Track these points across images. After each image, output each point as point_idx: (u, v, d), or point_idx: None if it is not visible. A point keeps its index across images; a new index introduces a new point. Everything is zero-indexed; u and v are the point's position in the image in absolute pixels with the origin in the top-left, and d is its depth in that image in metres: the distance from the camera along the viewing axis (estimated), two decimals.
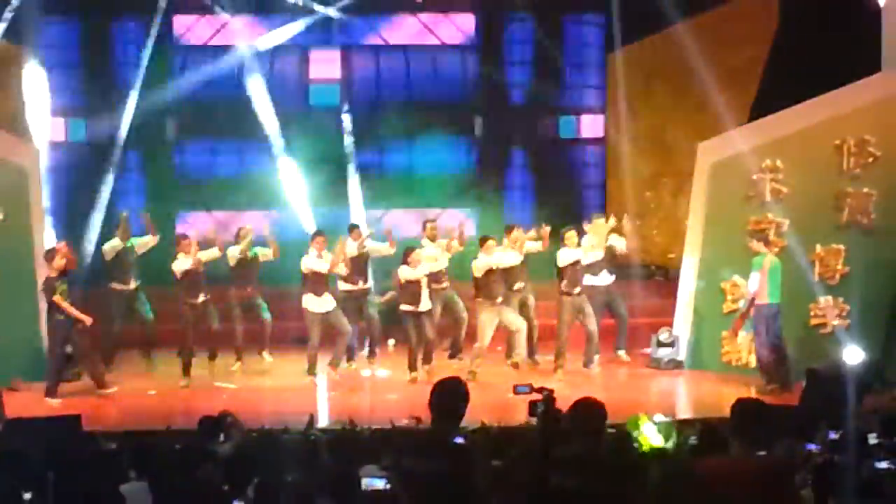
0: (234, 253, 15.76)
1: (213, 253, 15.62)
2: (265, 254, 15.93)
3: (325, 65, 21.52)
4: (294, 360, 15.99)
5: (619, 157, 21.12)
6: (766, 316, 14.25)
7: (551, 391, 7.12)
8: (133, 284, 15.87)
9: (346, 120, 20.89)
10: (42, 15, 19.48)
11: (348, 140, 20.80)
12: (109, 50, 20.92)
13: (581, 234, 15.91)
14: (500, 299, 15.05)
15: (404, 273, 15.15)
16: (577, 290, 15.35)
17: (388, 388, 14.96)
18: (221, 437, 9.60)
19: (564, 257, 15.31)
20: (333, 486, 7.38)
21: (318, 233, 15.68)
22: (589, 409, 6.70)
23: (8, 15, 17.97)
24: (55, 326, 14.35)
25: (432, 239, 16.09)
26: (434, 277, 15.46)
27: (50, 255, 14.41)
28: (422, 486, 6.31)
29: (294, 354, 16.18)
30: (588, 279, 15.66)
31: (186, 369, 15.09)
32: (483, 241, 15.31)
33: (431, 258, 15.48)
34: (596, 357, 15.73)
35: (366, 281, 15.89)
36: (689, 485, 6.72)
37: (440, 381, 6.79)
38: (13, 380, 14.49)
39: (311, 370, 15.12)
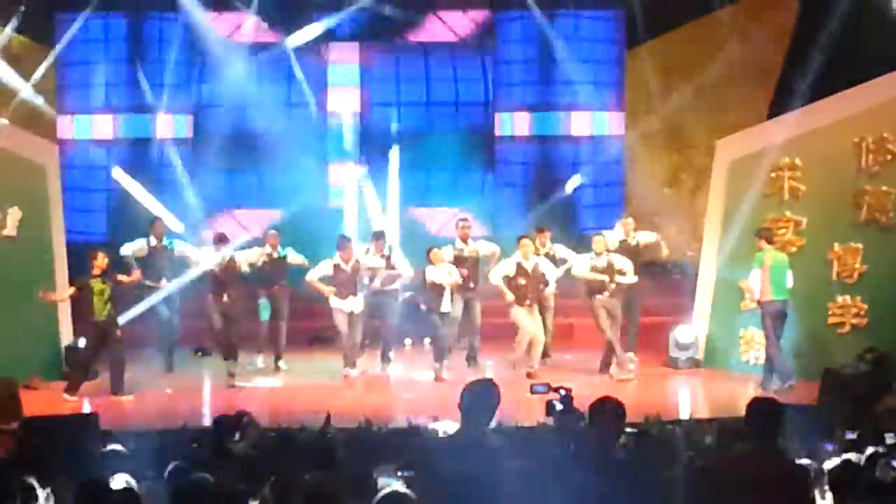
0: (262, 252, 16.01)
1: (251, 255, 15.80)
2: (295, 258, 16.02)
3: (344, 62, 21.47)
4: (309, 359, 16.02)
5: (638, 155, 21.09)
6: (769, 313, 14.20)
7: (569, 390, 7.11)
8: (165, 284, 15.96)
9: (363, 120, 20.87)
10: (62, 11, 19.60)
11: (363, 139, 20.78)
12: (138, 47, 20.77)
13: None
14: (527, 301, 15.09)
15: (431, 276, 15.13)
16: (606, 293, 15.27)
17: (404, 387, 14.97)
18: (237, 436, 9.62)
19: (577, 267, 15.38)
20: (350, 485, 7.38)
21: (345, 239, 15.46)
22: (607, 409, 6.64)
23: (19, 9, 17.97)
24: (89, 326, 14.34)
25: (464, 239, 15.97)
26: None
27: (94, 253, 14.39)
28: (449, 488, 6.26)
29: (309, 354, 16.19)
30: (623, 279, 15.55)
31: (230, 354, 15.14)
32: (521, 239, 15.33)
33: (451, 263, 15.49)
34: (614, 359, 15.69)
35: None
36: (705, 483, 6.71)
37: (471, 382, 6.69)
38: (31, 378, 14.49)
39: (348, 362, 15.16)
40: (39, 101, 18.39)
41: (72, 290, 14.48)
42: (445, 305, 15.21)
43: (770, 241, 14.40)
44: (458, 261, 15.66)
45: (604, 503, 6.16)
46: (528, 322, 15.07)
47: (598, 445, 6.48)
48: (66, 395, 13.89)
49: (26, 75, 18.17)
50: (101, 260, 14.28)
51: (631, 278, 15.58)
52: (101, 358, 14.61)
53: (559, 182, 20.93)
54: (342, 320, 15.13)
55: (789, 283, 14.28)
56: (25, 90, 18.04)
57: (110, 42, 20.53)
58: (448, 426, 10.61)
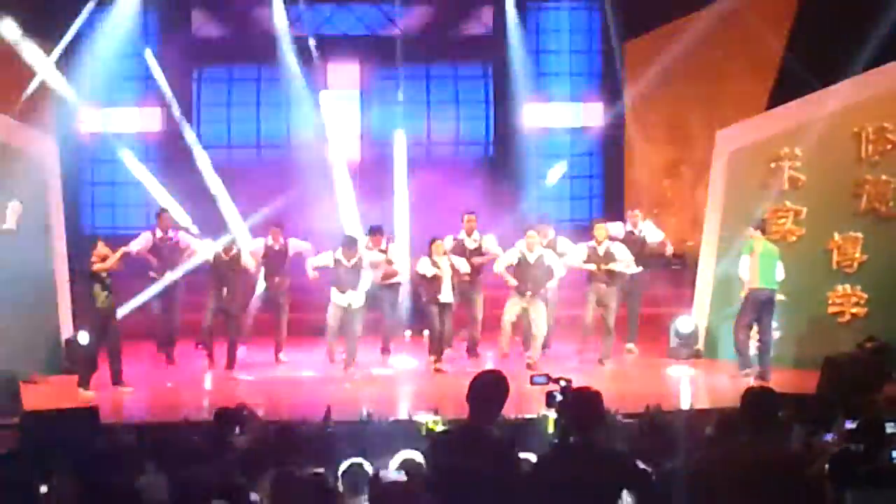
0: (264, 244, 16.01)
1: (256, 243, 15.92)
2: (298, 245, 16.01)
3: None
4: (311, 351, 16.02)
5: (638, 146, 21.07)
6: (755, 300, 14.18)
7: (569, 381, 7.10)
8: (169, 276, 15.94)
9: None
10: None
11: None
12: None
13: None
14: (528, 293, 15.09)
15: (420, 268, 15.17)
16: (603, 284, 15.31)
17: (404, 380, 14.98)
18: (238, 430, 9.61)
19: (572, 257, 15.43)
20: (350, 477, 7.40)
21: (352, 240, 15.36)
22: (585, 399, 6.58)
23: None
24: (93, 318, 14.30)
25: (469, 233, 16.04)
26: (456, 273, 15.52)
27: (93, 243, 14.34)
28: (457, 480, 6.25)
29: (311, 346, 16.21)
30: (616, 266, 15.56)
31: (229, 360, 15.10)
32: (527, 230, 15.35)
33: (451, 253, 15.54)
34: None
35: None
36: (703, 474, 6.71)
37: (480, 374, 6.68)
38: (31, 373, 14.44)
39: (333, 357, 15.24)
40: (70, 91, 18.45)
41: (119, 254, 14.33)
42: (446, 295, 15.24)
43: (764, 232, 14.40)
44: (458, 252, 15.70)
45: (594, 494, 6.15)
46: (510, 314, 15.18)
47: (579, 436, 6.45)
48: (81, 391, 13.76)
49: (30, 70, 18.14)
50: (101, 248, 14.25)
51: (630, 268, 15.59)
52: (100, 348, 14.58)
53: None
54: (334, 314, 15.07)
55: (780, 275, 14.29)
56: (51, 77, 18.03)
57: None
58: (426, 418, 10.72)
